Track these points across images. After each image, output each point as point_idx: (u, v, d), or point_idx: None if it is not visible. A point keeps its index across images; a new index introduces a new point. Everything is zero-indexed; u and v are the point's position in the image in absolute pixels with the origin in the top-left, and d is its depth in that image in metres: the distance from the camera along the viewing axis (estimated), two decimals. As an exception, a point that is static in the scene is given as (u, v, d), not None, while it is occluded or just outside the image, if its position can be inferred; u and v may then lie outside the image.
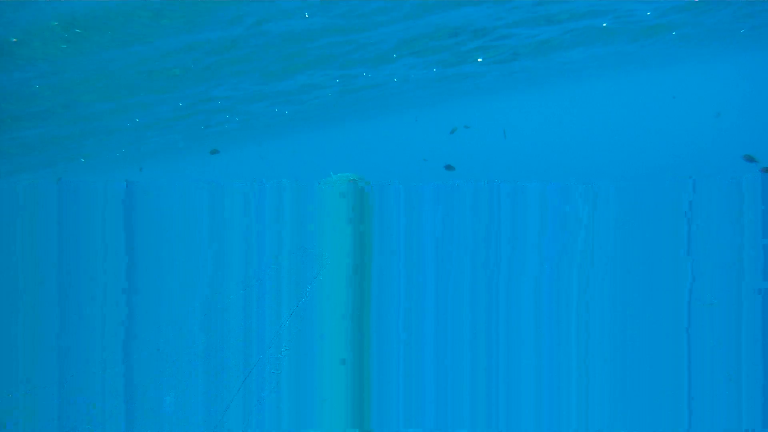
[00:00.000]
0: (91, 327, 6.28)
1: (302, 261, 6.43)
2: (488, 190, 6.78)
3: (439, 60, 15.52)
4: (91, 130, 16.70)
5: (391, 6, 10.21)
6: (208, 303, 6.30)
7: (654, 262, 6.73)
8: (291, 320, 6.21)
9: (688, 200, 6.66)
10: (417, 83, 19.23)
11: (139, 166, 26.88)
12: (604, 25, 14.16)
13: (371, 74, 16.07)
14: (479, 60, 16.24)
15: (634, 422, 6.46)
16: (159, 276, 6.44)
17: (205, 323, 6.23)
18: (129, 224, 6.50)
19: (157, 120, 17.22)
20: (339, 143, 37.79)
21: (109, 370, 6.05)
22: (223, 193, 6.57)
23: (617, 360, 6.58)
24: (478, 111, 33.13)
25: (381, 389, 6.39)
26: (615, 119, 62.65)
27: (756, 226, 6.57)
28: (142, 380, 6.02)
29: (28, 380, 6.03)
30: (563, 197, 6.79)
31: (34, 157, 18.73)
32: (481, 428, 6.48)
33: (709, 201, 6.67)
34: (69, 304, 6.36)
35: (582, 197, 6.78)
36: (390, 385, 6.44)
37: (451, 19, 11.65)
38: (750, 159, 12.40)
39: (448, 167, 15.79)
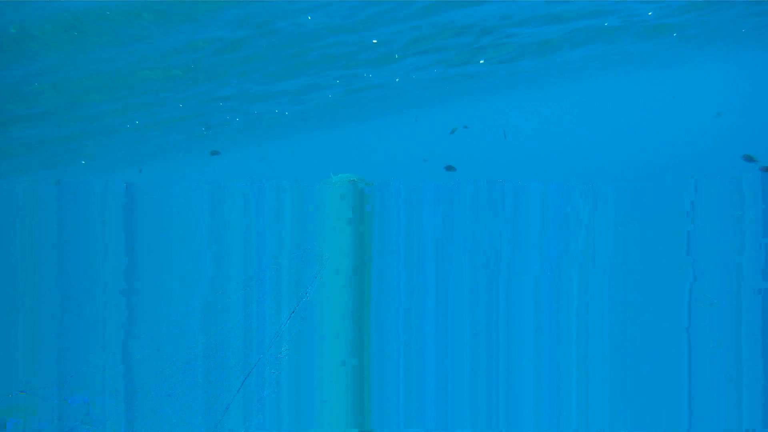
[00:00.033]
0: (91, 327, 6.27)
1: (302, 261, 6.43)
2: (488, 191, 6.78)
3: (443, 60, 15.51)
4: (92, 131, 16.70)
5: (397, 6, 10.21)
6: (208, 303, 6.30)
7: (654, 262, 6.73)
8: (291, 320, 6.21)
9: (689, 200, 6.66)
10: (418, 83, 19.22)
11: (139, 168, 26.90)
12: (605, 24, 14.15)
13: (373, 74, 16.06)
14: (481, 62, 16.23)
15: (635, 422, 6.45)
16: (159, 276, 6.44)
17: (205, 323, 6.22)
18: (129, 224, 6.50)
19: (157, 120, 17.22)
20: (339, 143, 37.78)
21: (109, 370, 6.05)
22: (224, 193, 6.57)
23: (617, 360, 6.57)
24: (479, 111, 33.12)
25: (381, 389, 6.38)
26: (615, 119, 62.59)
27: (756, 225, 6.56)
28: (142, 380, 6.01)
29: (28, 380, 6.03)
30: (564, 197, 6.78)
31: (34, 158, 18.72)
32: (481, 428, 6.48)
33: (710, 201, 6.66)
34: (69, 305, 6.36)
35: (582, 197, 6.77)
36: (390, 385, 6.43)
37: (456, 18, 11.64)
38: (749, 159, 12.39)
39: (449, 168, 15.73)
